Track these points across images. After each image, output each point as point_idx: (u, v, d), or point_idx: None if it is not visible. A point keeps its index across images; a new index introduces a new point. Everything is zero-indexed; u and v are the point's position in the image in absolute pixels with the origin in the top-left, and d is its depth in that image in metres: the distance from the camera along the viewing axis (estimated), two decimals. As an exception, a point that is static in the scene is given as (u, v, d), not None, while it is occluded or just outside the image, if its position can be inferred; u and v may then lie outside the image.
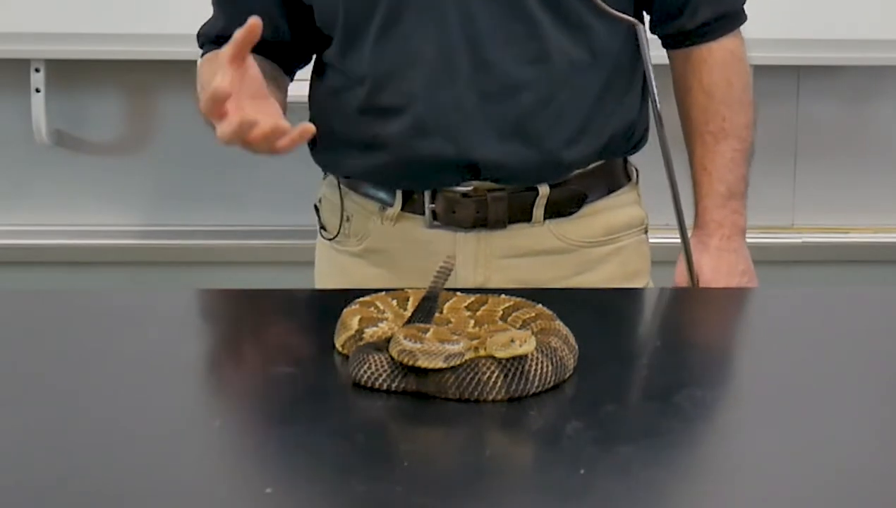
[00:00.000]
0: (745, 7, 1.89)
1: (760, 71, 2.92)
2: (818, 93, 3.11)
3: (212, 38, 1.87)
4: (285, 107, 1.85)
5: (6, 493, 1.15)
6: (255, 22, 1.50)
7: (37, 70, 2.94)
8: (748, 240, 1.90)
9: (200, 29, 1.91)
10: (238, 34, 1.51)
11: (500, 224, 1.80)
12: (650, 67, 1.77)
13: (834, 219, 3.16)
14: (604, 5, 1.73)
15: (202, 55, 1.89)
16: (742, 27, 1.89)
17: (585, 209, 1.83)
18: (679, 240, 1.83)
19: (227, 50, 1.52)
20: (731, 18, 1.87)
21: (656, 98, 1.78)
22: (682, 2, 1.84)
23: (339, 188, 1.88)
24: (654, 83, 1.77)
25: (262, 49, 1.84)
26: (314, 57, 1.90)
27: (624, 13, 1.75)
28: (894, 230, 3.15)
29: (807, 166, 3.13)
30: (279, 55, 1.87)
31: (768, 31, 2.84)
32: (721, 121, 1.86)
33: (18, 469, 1.20)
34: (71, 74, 2.99)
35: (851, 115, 3.13)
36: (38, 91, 2.94)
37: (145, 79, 3.03)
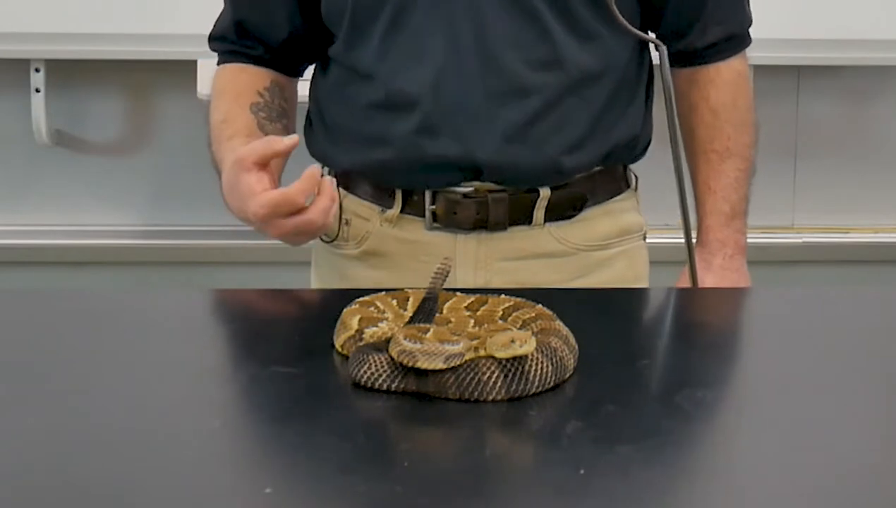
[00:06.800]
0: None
1: (760, 71, 2.93)
2: (818, 93, 3.11)
3: (231, 38, 1.88)
4: (294, 122, 1.88)
5: (6, 493, 1.15)
6: (294, 141, 1.60)
7: (37, 70, 2.94)
8: (748, 241, 1.91)
9: (213, 30, 1.90)
10: (275, 145, 1.61)
11: (500, 226, 1.79)
12: (671, 88, 1.78)
13: (834, 219, 3.16)
14: (626, 23, 1.73)
15: (220, 61, 1.89)
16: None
17: (585, 213, 1.83)
18: (684, 255, 1.85)
19: (254, 153, 1.61)
20: (738, 40, 1.88)
21: (675, 119, 1.80)
22: (691, 21, 1.84)
23: (338, 191, 1.87)
24: (674, 104, 1.79)
25: (274, 43, 1.84)
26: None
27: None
28: (894, 230, 3.15)
29: (807, 166, 3.13)
30: (291, 50, 1.86)
31: (768, 31, 2.82)
32: (726, 140, 1.87)
33: (18, 469, 1.20)
34: (71, 74, 2.99)
35: (851, 115, 3.13)
36: (38, 91, 2.95)
37: (145, 79, 3.03)
